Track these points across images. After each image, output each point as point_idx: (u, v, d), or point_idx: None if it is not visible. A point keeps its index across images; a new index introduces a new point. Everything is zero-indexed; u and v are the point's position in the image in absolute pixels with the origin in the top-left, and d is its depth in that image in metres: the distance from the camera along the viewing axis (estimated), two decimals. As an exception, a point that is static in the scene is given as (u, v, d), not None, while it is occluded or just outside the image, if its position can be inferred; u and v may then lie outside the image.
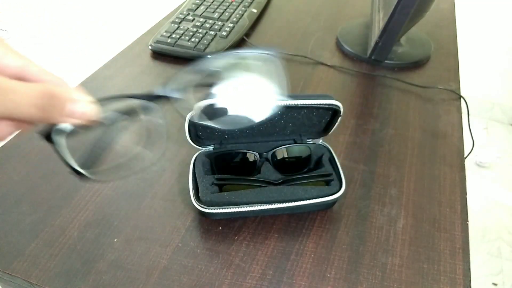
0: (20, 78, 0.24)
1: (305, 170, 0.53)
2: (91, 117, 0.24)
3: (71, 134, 0.26)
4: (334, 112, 0.49)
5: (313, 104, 0.46)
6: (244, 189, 0.46)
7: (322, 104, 0.46)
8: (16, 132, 0.25)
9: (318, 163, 0.51)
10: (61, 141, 0.26)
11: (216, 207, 0.45)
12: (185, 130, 0.47)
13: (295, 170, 0.52)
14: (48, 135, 0.26)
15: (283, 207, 0.45)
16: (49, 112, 0.23)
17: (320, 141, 0.53)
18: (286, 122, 0.50)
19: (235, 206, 0.45)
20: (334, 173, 0.48)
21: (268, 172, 0.49)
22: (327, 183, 0.48)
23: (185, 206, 0.48)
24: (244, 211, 0.45)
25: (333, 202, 0.47)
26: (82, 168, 0.29)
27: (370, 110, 0.65)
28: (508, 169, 1.78)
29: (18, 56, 0.25)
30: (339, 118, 0.49)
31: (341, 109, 0.47)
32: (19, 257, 0.42)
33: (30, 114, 0.22)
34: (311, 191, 0.46)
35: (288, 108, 0.48)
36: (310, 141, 0.53)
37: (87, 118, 0.24)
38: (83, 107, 0.24)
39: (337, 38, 0.82)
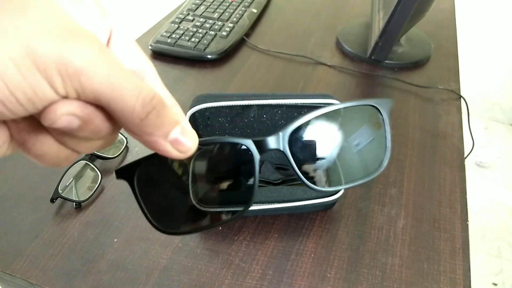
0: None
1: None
2: (188, 155, 0.20)
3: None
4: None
5: (313, 103, 0.46)
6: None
7: (322, 104, 0.46)
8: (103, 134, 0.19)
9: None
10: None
11: (216, 207, 0.45)
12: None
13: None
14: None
15: (283, 207, 0.45)
16: (152, 117, 0.18)
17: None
18: (287, 121, 0.50)
19: (235, 207, 0.45)
20: (334, 173, 0.48)
21: (267, 172, 0.49)
22: (327, 183, 0.48)
23: (185, 206, 0.48)
24: (244, 211, 0.45)
25: (333, 202, 0.47)
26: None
27: (370, 110, 0.65)
28: (508, 169, 1.78)
29: (143, 57, 0.22)
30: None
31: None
32: (19, 257, 0.43)
33: (130, 106, 0.17)
34: (311, 192, 0.46)
35: (288, 107, 0.48)
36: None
37: (185, 155, 0.20)
38: (191, 142, 0.20)
39: (337, 38, 0.82)
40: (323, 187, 0.30)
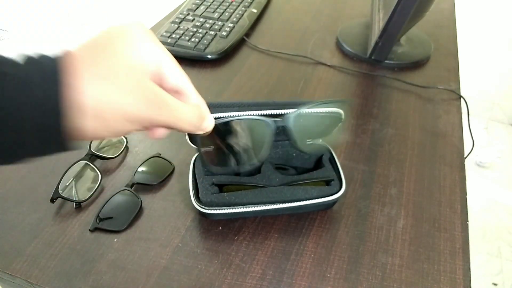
0: (177, 91, 0.30)
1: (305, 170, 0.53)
2: (208, 133, 0.33)
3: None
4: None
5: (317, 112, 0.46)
6: (244, 189, 0.46)
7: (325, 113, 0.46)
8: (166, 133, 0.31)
9: (318, 163, 0.51)
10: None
11: (216, 208, 0.45)
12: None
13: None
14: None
15: (283, 208, 0.45)
16: (196, 128, 0.30)
17: (320, 141, 0.53)
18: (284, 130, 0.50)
19: (235, 207, 0.45)
20: (334, 173, 0.48)
21: (268, 172, 0.49)
22: (327, 183, 0.48)
23: (185, 206, 0.48)
24: (244, 212, 0.45)
25: (333, 202, 0.47)
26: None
27: (370, 110, 0.65)
28: (508, 169, 1.78)
29: (185, 78, 0.30)
30: (340, 124, 0.49)
31: (343, 116, 0.47)
32: (19, 257, 0.43)
33: (185, 129, 0.29)
34: (311, 191, 0.46)
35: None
36: (309, 141, 0.53)
37: (206, 133, 0.32)
38: (211, 125, 0.32)
39: (337, 38, 0.82)
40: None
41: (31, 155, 0.25)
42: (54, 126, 0.23)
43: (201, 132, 0.32)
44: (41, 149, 0.24)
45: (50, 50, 0.25)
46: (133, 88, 0.25)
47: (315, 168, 0.52)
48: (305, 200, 0.45)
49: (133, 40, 0.26)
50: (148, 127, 0.27)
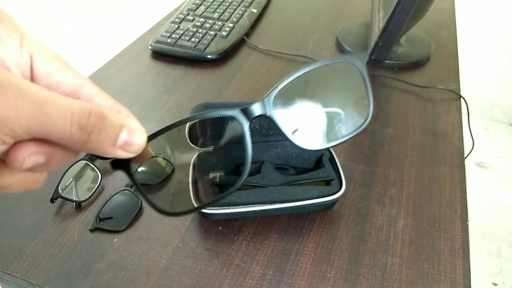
0: (71, 91, 0.21)
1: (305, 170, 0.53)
2: (138, 152, 0.21)
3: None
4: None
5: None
6: (244, 189, 0.46)
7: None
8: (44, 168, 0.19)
9: (318, 163, 0.51)
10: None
11: (216, 208, 0.45)
12: (185, 130, 0.47)
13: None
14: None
15: (283, 207, 0.45)
16: (95, 135, 0.18)
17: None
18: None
19: (235, 207, 0.45)
20: (334, 173, 0.48)
21: (268, 172, 0.49)
22: (327, 183, 0.48)
23: (185, 206, 0.48)
24: (244, 212, 0.45)
25: (333, 202, 0.47)
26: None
27: (370, 110, 0.65)
28: (508, 169, 1.78)
29: (74, 74, 0.22)
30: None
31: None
32: (19, 257, 0.43)
33: (67, 133, 0.17)
34: (311, 191, 0.46)
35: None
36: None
37: (136, 153, 0.21)
38: (140, 139, 0.21)
39: (337, 38, 0.82)
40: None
41: None
42: None
43: (122, 153, 0.20)
44: None
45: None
46: None
47: (315, 168, 0.52)
48: (305, 200, 0.45)
49: None
50: (2, 137, 0.17)
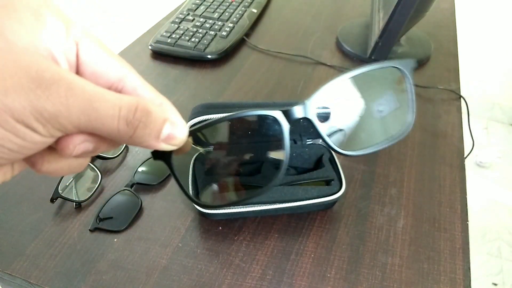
0: (116, 90, 0.21)
1: (305, 170, 0.53)
2: (181, 144, 0.21)
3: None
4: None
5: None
6: (245, 189, 0.46)
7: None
8: (91, 154, 0.20)
9: (318, 163, 0.51)
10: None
11: (216, 208, 0.45)
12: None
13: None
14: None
15: (283, 207, 0.45)
16: (140, 130, 0.19)
17: (320, 141, 0.53)
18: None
19: (235, 207, 0.45)
20: (334, 173, 0.48)
21: (268, 172, 0.49)
22: (327, 183, 0.48)
23: (185, 206, 0.48)
24: (244, 212, 0.45)
25: (333, 202, 0.47)
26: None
27: (370, 110, 0.65)
28: (508, 169, 1.78)
29: (120, 62, 0.21)
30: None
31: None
32: (19, 257, 0.42)
33: (115, 128, 0.18)
34: (311, 191, 0.46)
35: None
36: (309, 141, 0.53)
37: (178, 146, 0.21)
38: (182, 133, 0.21)
39: (337, 38, 0.82)
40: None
41: None
42: None
43: (166, 146, 0.20)
44: None
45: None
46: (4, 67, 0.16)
47: (315, 168, 0.52)
48: (305, 200, 0.45)
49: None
50: (52, 132, 0.17)
